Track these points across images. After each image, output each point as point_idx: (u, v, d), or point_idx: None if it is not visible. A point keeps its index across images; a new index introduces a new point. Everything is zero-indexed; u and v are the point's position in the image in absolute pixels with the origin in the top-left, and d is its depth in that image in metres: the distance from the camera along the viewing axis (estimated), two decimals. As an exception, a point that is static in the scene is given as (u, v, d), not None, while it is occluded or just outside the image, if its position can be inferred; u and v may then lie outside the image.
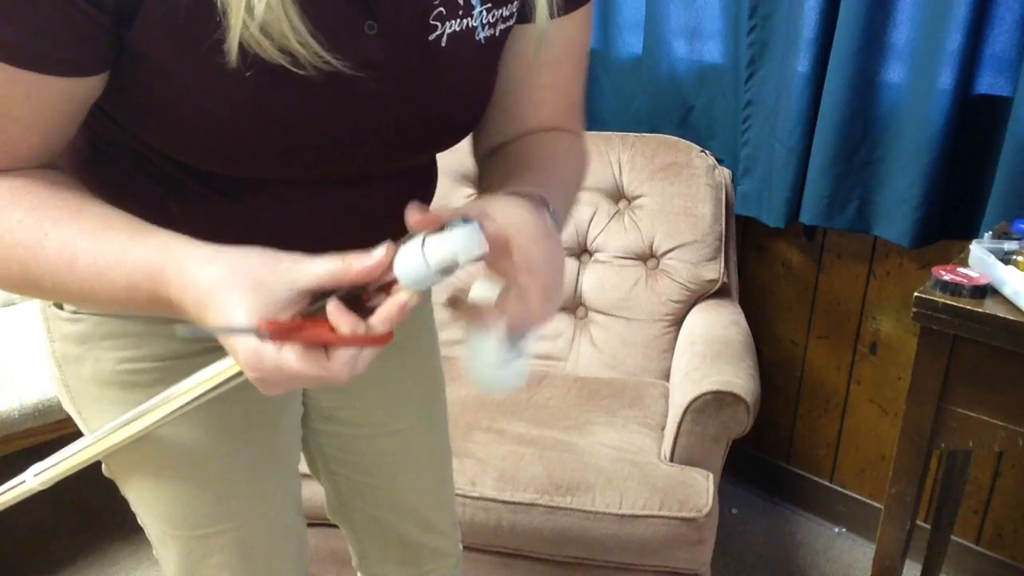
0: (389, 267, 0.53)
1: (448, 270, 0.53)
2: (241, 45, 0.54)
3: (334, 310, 0.52)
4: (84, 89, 0.57)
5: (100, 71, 0.57)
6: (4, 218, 0.57)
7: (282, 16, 0.54)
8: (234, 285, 0.52)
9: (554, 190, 0.66)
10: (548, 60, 0.73)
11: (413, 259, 0.53)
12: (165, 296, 0.55)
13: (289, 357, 0.51)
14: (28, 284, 0.58)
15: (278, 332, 0.51)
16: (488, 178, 0.73)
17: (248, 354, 0.51)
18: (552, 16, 0.69)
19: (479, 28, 0.66)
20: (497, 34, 0.68)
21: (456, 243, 0.52)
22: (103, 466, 0.82)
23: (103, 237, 0.57)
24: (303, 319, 0.52)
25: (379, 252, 0.53)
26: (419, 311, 0.96)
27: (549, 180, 0.68)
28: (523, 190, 0.62)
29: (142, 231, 0.57)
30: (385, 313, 0.53)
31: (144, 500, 0.82)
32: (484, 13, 0.66)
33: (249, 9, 0.53)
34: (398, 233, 0.84)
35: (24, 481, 0.78)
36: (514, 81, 0.73)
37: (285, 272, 0.53)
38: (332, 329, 0.52)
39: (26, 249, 0.56)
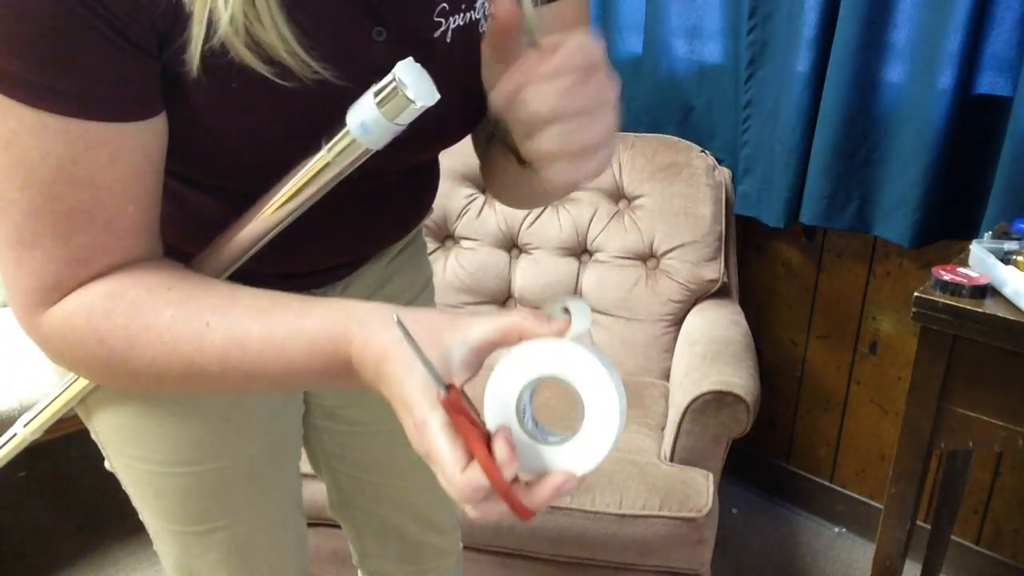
0: (561, 334, 0.51)
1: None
2: (229, 57, 0.54)
3: (503, 442, 0.48)
4: (157, 138, 0.56)
5: (161, 108, 0.56)
6: (156, 318, 0.55)
7: (271, 27, 0.53)
8: (414, 372, 0.50)
9: None
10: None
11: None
12: (345, 356, 0.54)
13: (441, 441, 0.49)
14: (190, 377, 0.56)
15: (455, 405, 0.48)
16: (495, 145, 0.70)
17: (418, 411, 0.50)
18: (537, 3, 0.67)
19: (483, 20, 0.66)
20: None
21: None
22: (105, 461, 0.83)
23: (272, 313, 0.55)
24: (474, 417, 0.50)
25: (556, 323, 0.51)
26: (424, 304, 0.96)
27: None
28: None
29: (310, 301, 0.56)
30: (542, 495, 0.49)
31: (143, 495, 0.82)
32: (487, 4, 0.65)
33: (213, 23, 0.51)
34: (402, 233, 0.85)
35: (16, 434, 0.78)
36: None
37: (461, 329, 0.52)
38: (490, 450, 0.48)
39: (188, 343, 0.55)
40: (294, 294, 0.58)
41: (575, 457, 0.50)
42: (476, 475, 0.47)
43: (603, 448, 0.50)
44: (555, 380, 0.50)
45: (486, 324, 0.52)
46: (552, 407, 0.55)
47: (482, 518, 0.49)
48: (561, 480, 0.49)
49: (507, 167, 0.68)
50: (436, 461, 0.49)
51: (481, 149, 0.79)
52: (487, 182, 0.80)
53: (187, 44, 0.52)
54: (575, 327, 0.51)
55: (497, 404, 0.51)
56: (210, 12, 0.51)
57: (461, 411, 0.49)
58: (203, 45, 0.52)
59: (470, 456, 0.48)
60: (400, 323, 0.49)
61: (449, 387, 0.49)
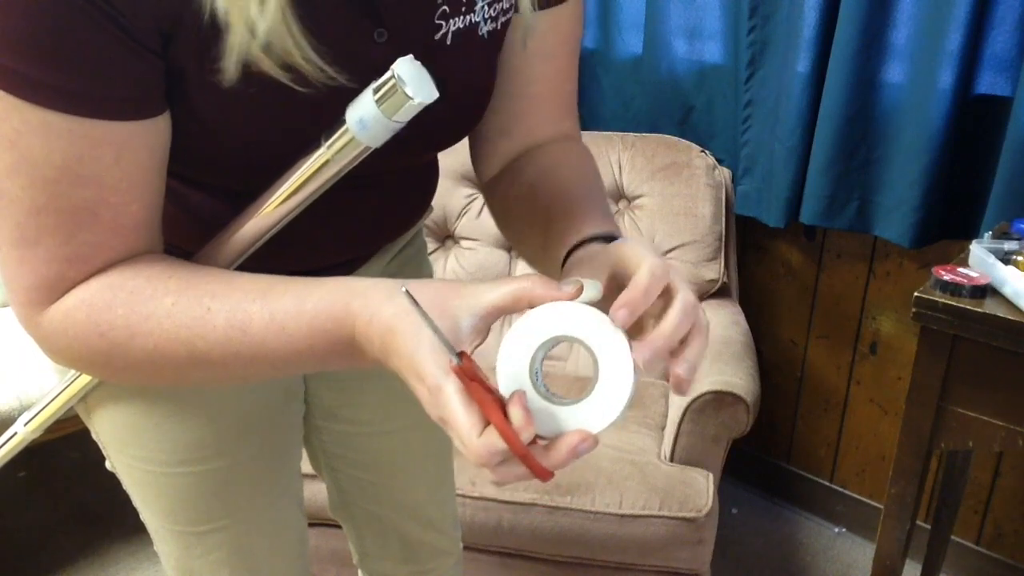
0: (572, 298, 0.51)
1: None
2: (247, 64, 0.54)
3: (518, 407, 0.49)
4: (161, 136, 0.56)
5: (165, 107, 0.56)
6: (156, 306, 0.55)
7: (285, 33, 0.53)
8: (422, 336, 0.51)
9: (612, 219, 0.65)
10: (540, 52, 0.72)
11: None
12: (349, 334, 0.54)
13: (456, 406, 0.49)
14: (193, 364, 0.56)
15: (468, 372, 0.49)
16: (525, 219, 0.71)
17: (430, 379, 0.50)
18: (535, 8, 0.68)
19: (482, 23, 0.66)
20: (499, 27, 0.68)
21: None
22: (106, 461, 0.83)
23: (273, 294, 0.56)
24: (485, 382, 0.50)
25: (568, 287, 0.51)
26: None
27: (605, 210, 0.67)
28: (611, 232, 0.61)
29: (311, 281, 0.57)
30: (560, 455, 0.49)
31: (144, 495, 0.82)
32: (486, 8, 0.65)
33: (251, 29, 0.52)
34: (402, 231, 0.85)
35: (16, 432, 0.78)
36: (508, 75, 0.72)
37: (468, 297, 0.52)
38: (505, 414, 0.49)
39: (189, 329, 0.55)
40: (293, 277, 0.58)
41: (591, 416, 0.51)
42: (493, 439, 0.48)
43: (618, 405, 0.50)
44: (568, 340, 0.51)
45: (495, 291, 0.52)
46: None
47: (502, 481, 0.50)
48: (577, 439, 0.49)
49: (534, 247, 0.68)
50: (452, 427, 0.49)
51: (497, 184, 0.77)
52: (503, 226, 0.79)
53: (223, 54, 0.53)
54: (586, 294, 0.51)
55: (510, 369, 0.51)
56: (250, 19, 0.51)
57: (474, 377, 0.49)
58: (243, 53, 0.52)
59: (486, 421, 0.48)
60: (408, 293, 0.49)
61: (461, 355, 0.49)
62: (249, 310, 0.55)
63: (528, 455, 0.48)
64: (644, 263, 0.51)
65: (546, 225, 0.65)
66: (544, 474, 0.49)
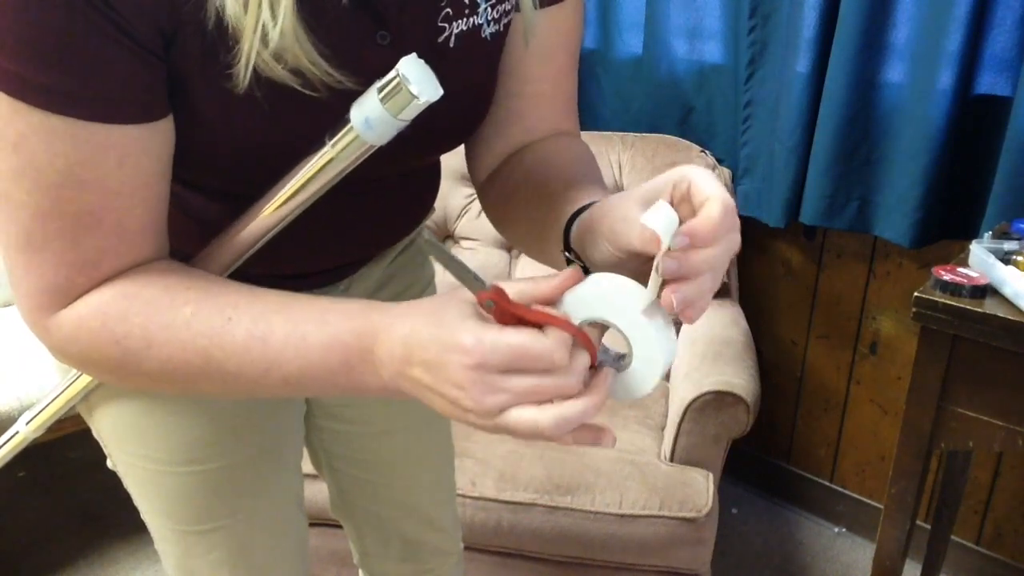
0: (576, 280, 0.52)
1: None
2: (254, 68, 0.54)
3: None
4: (163, 140, 0.56)
5: (167, 111, 0.56)
6: (175, 316, 0.55)
7: (292, 39, 0.53)
8: (446, 313, 0.50)
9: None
10: (540, 52, 0.72)
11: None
12: (368, 345, 0.53)
13: (514, 334, 0.48)
14: (205, 375, 0.56)
15: (500, 292, 0.49)
16: (526, 200, 0.70)
17: (471, 336, 0.48)
18: (536, 6, 0.68)
19: (485, 25, 0.66)
20: (501, 29, 0.68)
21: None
22: (107, 460, 0.83)
23: (297, 307, 0.56)
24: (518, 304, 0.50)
25: (562, 276, 0.52)
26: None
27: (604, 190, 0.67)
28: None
29: (334, 298, 0.57)
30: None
31: (145, 494, 0.82)
32: (489, 10, 0.65)
33: (264, 39, 0.52)
34: (403, 234, 0.85)
35: (17, 432, 0.78)
36: (506, 74, 0.72)
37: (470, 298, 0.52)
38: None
39: (208, 338, 0.55)
40: (316, 296, 0.58)
41: (628, 385, 0.53)
42: (556, 335, 0.49)
43: (653, 374, 0.52)
44: (596, 322, 0.52)
45: (513, 286, 0.52)
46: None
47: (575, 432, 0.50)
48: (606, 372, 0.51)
49: (534, 228, 0.68)
50: (523, 354, 0.48)
51: (494, 179, 0.77)
52: (494, 212, 0.79)
53: (232, 58, 0.53)
54: (663, 224, 0.52)
55: None
56: (263, 26, 0.51)
57: (506, 299, 0.50)
58: (255, 58, 0.52)
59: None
60: (427, 229, 0.51)
61: (492, 287, 0.50)
62: (272, 320, 0.55)
63: (580, 333, 0.50)
64: (713, 196, 0.53)
65: (552, 198, 0.65)
66: (590, 349, 0.50)
